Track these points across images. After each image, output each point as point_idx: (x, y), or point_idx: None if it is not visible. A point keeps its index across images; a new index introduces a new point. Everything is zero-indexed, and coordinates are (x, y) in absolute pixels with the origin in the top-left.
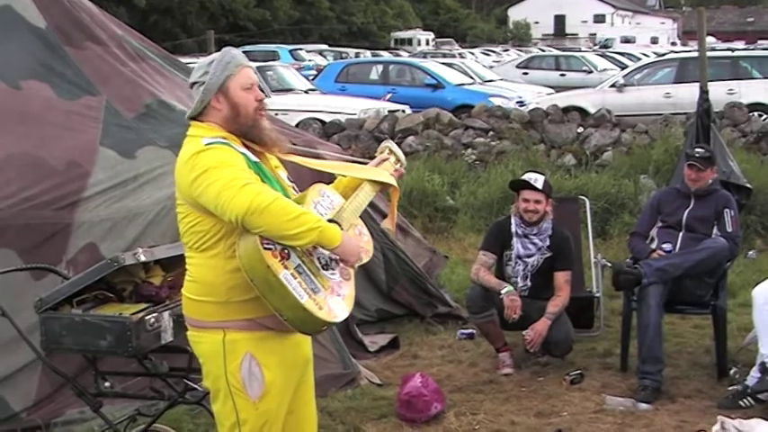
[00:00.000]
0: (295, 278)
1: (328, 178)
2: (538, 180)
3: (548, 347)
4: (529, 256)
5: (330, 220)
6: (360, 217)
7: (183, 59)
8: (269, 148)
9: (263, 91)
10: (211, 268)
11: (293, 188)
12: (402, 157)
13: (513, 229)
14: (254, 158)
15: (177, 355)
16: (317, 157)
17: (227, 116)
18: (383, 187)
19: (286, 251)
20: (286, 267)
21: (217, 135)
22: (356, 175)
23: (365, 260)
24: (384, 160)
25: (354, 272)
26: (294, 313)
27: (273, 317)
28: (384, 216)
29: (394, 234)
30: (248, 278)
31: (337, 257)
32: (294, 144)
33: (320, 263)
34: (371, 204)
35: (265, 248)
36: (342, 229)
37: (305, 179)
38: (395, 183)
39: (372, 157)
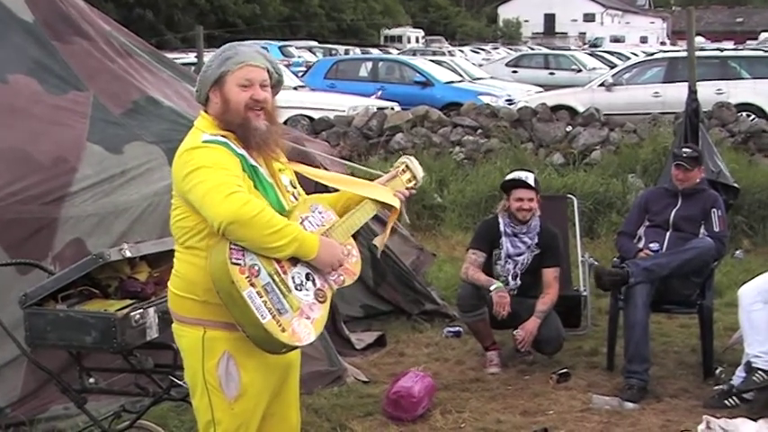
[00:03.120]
0: (261, 296)
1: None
2: (529, 177)
3: (538, 345)
4: (519, 255)
5: None
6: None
7: (170, 55)
8: (252, 150)
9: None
10: (192, 266)
11: (293, 194)
12: (419, 174)
13: (502, 228)
14: (252, 162)
15: (162, 352)
16: (309, 158)
17: (218, 111)
18: (385, 207)
19: (256, 268)
20: (253, 285)
21: (217, 132)
22: (359, 192)
23: (348, 283)
24: (394, 177)
25: (332, 294)
26: (255, 331)
27: None
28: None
29: (380, 251)
30: (215, 287)
31: (314, 277)
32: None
33: (294, 282)
34: None
35: (233, 263)
36: None
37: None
38: (397, 204)
39: (360, 156)
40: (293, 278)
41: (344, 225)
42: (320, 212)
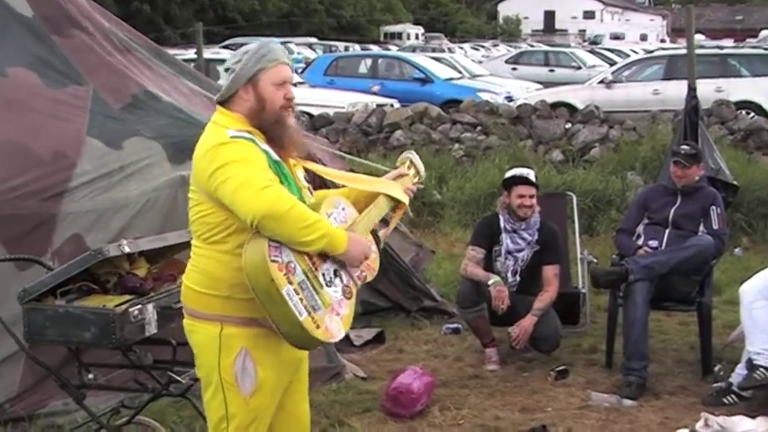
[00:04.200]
0: (297, 294)
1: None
2: (530, 174)
3: (536, 343)
4: (519, 251)
5: None
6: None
7: (169, 51)
8: (287, 148)
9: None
10: (218, 262)
11: (309, 189)
12: (422, 169)
13: (502, 224)
14: (276, 157)
15: (161, 348)
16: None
17: (253, 108)
18: (395, 203)
19: (292, 265)
20: (290, 282)
21: (242, 128)
22: (371, 188)
23: (369, 278)
24: (403, 175)
25: (357, 290)
26: (291, 329)
27: None
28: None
29: (382, 243)
30: (250, 286)
31: (341, 274)
32: None
33: (324, 279)
34: None
35: (272, 261)
36: None
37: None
38: (407, 201)
39: (359, 152)
40: (323, 274)
41: (364, 221)
42: (344, 208)
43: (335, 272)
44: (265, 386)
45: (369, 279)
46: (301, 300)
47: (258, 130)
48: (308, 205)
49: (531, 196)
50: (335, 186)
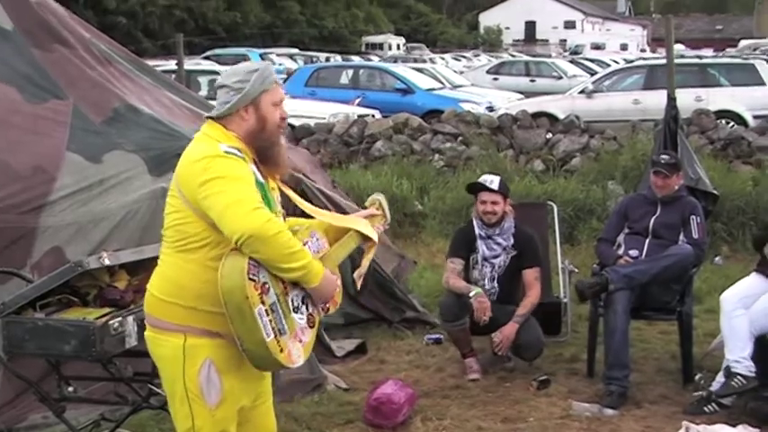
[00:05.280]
0: (267, 315)
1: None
2: (494, 181)
3: (518, 350)
4: (495, 257)
5: None
6: None
7: (149, 63)
8: (277, 169)
9: None
10: (186, 271)
11: (283, 215)
12: (388, 212)
13: (477, 232)
14: (260, 179)
15: (141, 360)
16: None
17: (252, 129)
18: (364, 240)
19: (267, 286)
20: (263, 303)
21: (234, 146)
22: (343, 224)
23: (332, 311)
24: (373, 215)
25: (319, 319)
26: (255, 348)
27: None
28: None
29: (360, 280)
30: (222, 300)
31: (307, 302)
32: None
33: (293, 304)
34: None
35: (250, 279)
36: None
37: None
38: (376, 238)
39: (341, 163)
40: (292, 300)
41: (334, 253)
42: (317, 239)
43: (303, 299)
44: (230, 397)
45: (331, 311)
46: (270, 321)
47: (251, 149)
48: None
49: (494, 202)
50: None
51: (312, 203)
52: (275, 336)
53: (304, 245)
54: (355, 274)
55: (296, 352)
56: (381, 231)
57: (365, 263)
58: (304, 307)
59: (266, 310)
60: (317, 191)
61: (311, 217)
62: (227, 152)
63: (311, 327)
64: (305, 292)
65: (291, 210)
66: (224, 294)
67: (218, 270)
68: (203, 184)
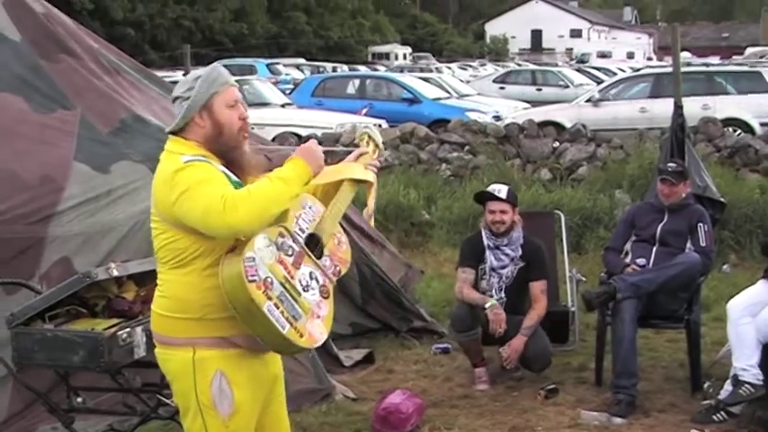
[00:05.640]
0: (278, 308)
1: None
2: (502, 190)
3: (526, 362)
4: (502, 268)
5: (311, 235)
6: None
7: (159, 73)
8: (246, 172)
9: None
10: (186, 285)
11: None
12: (380, 141)
13: (485, 242)
14: (235, 178)
15: (150, 371)
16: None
17: (210, 134)
18: (362, 184)
19: (269, 280)
20: (269, 298)
21: (197, 153)
22: (333, 178)
23: (344, 271)
24: (363, 153)
25: (333, 287)
26: (274, 340)
27: (245, 335)
28: (359, 229)
29: (371, 220)
30: (231, 306)
31: (317, 275)
32: (270, 160)
33: (301, 285)
34: (348, 220)
35: (249, 281)
36: (323, 242)
37: None
38: (372, 179)
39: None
40: (300, 281)
41: (332, 213)
42: (311, 207)
43: (311, 274)
44: (243, 407)
45: (343, 272)
46: (282, 313)
47: (215, 154)
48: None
49: (503, 212)
50: None
51: None
52: (291, 325)
53: (298, 218)
54: (364, 214)
55: (317, 330)
56: (379, 165)
57: (371, 203)
58: (314, 282)
59: (275, 304)
60: None
61: None
62: (187, 161)
63: (326, 297)
64: (311, 267)
65: None
66: (230, 301)
67: (219, 278)
68: (174, 204)
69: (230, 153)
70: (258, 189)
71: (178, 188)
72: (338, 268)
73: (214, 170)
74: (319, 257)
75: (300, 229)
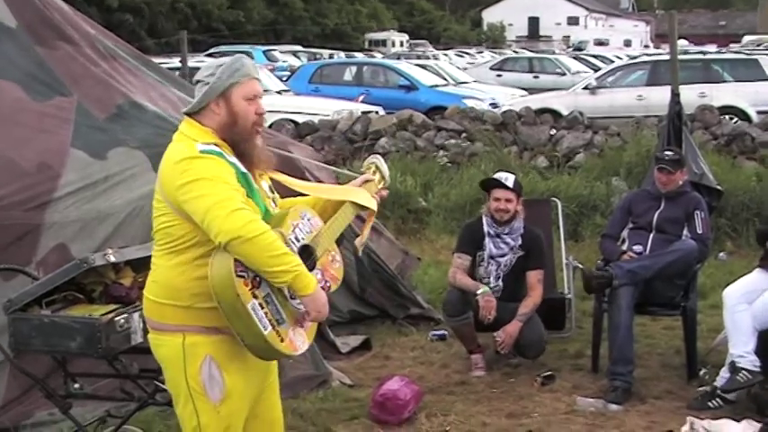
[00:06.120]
0: (262, 308)
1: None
2: (509, 179)
3: (521, 349)
4: (501, 256)
5: (305, 246)
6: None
7: (156, 60)
8: (255, 166)
9: None
10: (178, 272)
11: (273, 200)
12: (387, 173)
13: (485, 229)
14: (243, 169)
15: (147, 357)
16: (293, 163)
17: (224, 123)
18: (363, 209)
19: (258, 279)
20: (255, 297)
21: (210, 141)
22: (338, 197)
23: (333, 288)
24: (369, 180)
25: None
26: (255, 342)
27: None
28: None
29: (360, 252)
30: (216, 299)
31: None
32: (267, 146)
33: (289, 292)
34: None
35: (238, 276)
36: (316, 255)
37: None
38: (375, 207)
39: (345, 160)
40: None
41: (330, 230)
42: (308, 219)
43: None
44: (234, 392)
45: (333, 289)
46: (266, 314)
47: (227, 143)
48: (273, 215)
49: (508, 200)
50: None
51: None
52: (273, 327)
53: (295, 227)
54: (356, 242)
55: (298, 339)
56: (383, 196)
57: (366, 231)
58: None
59: (260, 304)
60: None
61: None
62: (203, 152)
63: None
64: None
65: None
66: (216, 294)
67: (208, 269)
68: (182, 187)
69: (242, 144)
70: (272, 242)
71: (188, 175)
72: (328, 284)
73: (227, 167)
74: (311, 269)
75: (296, 238)
